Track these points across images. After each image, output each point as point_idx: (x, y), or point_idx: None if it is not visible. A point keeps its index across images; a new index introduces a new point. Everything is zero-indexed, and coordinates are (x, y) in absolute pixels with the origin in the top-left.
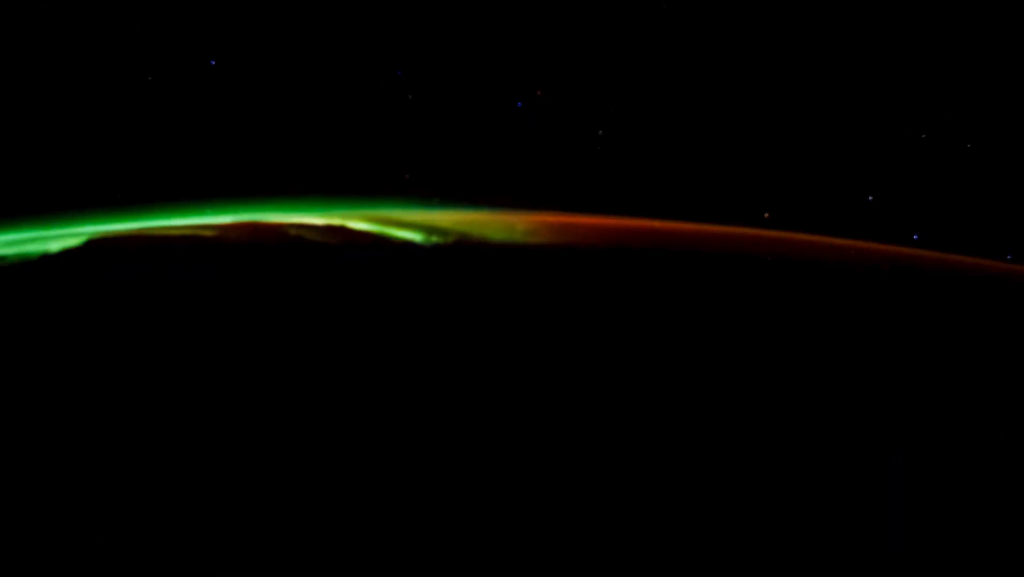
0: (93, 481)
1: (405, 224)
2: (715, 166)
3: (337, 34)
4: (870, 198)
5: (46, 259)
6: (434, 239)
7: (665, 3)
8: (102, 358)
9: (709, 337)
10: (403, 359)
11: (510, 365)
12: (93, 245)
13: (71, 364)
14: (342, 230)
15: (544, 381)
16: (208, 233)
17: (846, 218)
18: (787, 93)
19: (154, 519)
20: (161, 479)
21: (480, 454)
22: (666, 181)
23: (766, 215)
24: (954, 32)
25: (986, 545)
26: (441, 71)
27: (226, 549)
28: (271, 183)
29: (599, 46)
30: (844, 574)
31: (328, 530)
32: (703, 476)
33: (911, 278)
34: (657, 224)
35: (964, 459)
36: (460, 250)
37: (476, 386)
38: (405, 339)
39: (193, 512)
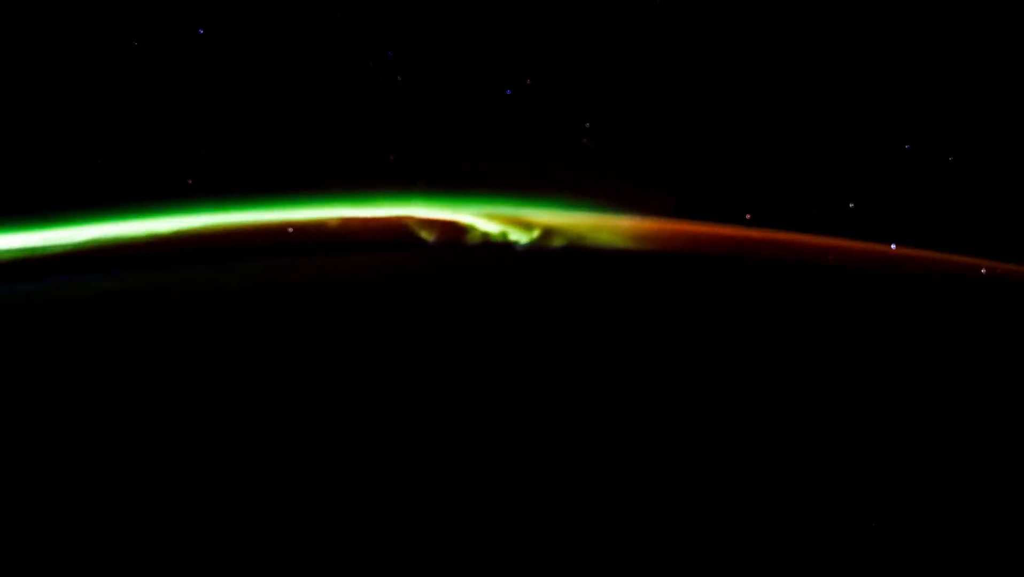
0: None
1: (520, 224)
2: (706, 168)
3: (328, 17)
4: (851, 205)
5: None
6: (545, 239)
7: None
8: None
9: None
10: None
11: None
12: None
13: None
14: (456, 227)
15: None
16: (331, 225)
17: (829, 223)
18: (780, 100)
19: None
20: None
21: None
22: (661, 181)
23: (747, 216)
24: (937, 48)
25: None
26: (432, 56)
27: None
28: (267, 173)
29: (592, 42)
30: None
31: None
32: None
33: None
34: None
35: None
36: (570, 251)
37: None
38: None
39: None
